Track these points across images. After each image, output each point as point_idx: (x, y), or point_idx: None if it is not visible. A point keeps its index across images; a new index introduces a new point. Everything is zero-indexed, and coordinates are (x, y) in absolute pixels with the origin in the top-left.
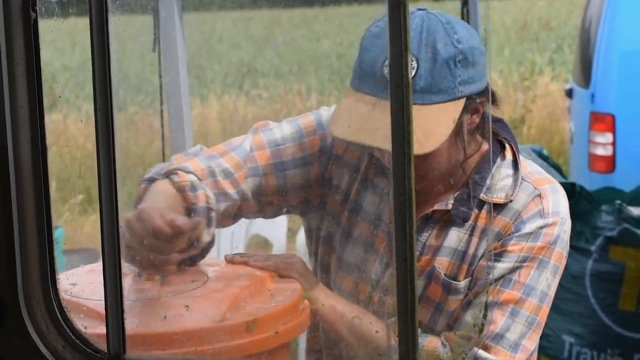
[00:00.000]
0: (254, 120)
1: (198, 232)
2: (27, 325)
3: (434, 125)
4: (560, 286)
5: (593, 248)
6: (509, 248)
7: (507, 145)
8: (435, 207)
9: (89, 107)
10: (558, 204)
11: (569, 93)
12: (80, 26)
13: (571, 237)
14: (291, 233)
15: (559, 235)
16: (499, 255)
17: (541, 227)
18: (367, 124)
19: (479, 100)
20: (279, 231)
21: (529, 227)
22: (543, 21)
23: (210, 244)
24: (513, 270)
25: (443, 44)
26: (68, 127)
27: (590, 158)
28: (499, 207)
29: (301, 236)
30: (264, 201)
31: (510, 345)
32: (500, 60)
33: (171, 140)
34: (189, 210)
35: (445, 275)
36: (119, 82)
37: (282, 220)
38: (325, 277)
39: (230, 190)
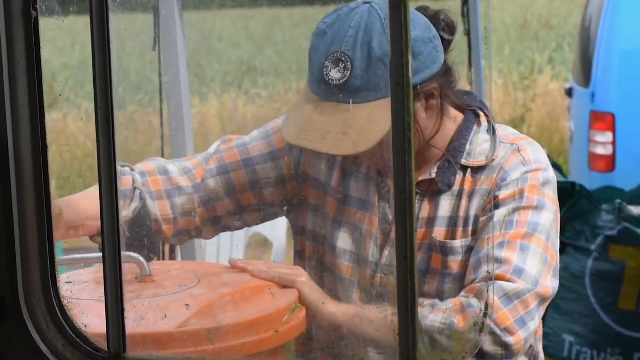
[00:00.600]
0: (254, 119)
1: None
2: (27, 324)
3: (370, 123)
4: (560, 285)
5: (593, 247)
6: (501, 197)
7: (480, 113)
8: (420, 179)
9: (88, 105)
10: (537, 153)
11: (569, 92)
12: (80, 25)
13: (571, 236)
14: (291, 232)
15: (547, 178)
16: (494, 207)
17: (526, 172)
18: (308, 125)
19: (432, 86)
20: (279, 230)
21: (513, 175)
22: (543, 20)
23: (139, 216)
24: (511, 212)
25: (378, 42)
26: (68, 125)
27: (590, 157)
28: (481, 168)
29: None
30: (239, 199)
31: (531, 280)
32: (500, 59)
33: (171, 139)
34: None
35: (441, 240)
36: (119, 80)
37: (282, 220)
38: (319, 271)
39: (185, 184)
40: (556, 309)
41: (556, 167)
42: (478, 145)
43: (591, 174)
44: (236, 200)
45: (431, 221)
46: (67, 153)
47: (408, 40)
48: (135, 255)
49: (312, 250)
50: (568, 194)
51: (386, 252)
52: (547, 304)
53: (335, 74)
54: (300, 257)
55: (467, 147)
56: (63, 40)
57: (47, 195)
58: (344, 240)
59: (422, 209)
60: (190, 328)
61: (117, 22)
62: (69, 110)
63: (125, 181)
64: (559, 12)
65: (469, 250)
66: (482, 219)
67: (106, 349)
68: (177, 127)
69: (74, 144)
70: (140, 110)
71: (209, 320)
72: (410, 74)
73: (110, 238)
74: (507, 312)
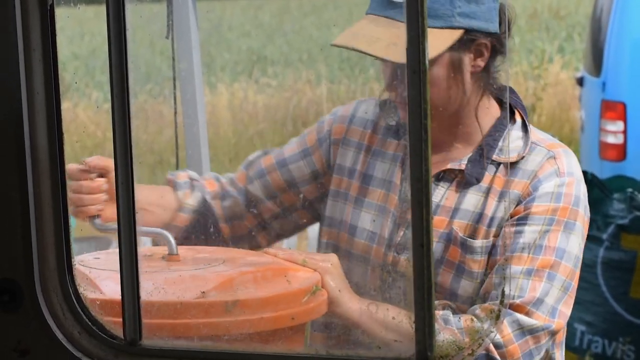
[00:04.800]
0: (264, 109)
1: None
2: (43, 312)
3: None
4: None
5: (604, 236)
6: (533, 210)
7: (515, 110)
8: (449, 166)
9: (98, 95)
10: (571, 165)
11: (580, 81)
12: (89, 14)
13: None
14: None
15: (578, 196)
16: (524, 219)
17: (560, 186)
18: (359, 32)
19: (484, 41)
20: None
21: (547, 186)
22: (553, 9)
23: (203, 206)
24: (542, 234)
25: None
26: (78, 115)
27: (601, 146)
28: (513, 169)
29: (312, 231)
30: (281, 201)
31: (549, 310)
32: (510, 48)
33: (185, 127)
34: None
35: (462, 235)
36: (131, 69)
37: None
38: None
39: (230, 189)
40: None
41: None
42: (511, 142)
43: (602, 163)
44: (279, 202)
45: (454, 212)
46: (76, 143)
47: (425, 27)
48: (160, 230)
49: (329, 236)
50: None
51: (401, 232)
52: (558, 334)
53: None
54: (322, 246)
55: (500, 143)
56: (72, 30)
57: (63, 182)
58: (363, 219)
59: (447, 197)
60: (208, 299)
61: (132, 10)
62: (79, 100)
63: (180, 176)
64: (569, 2)
65: (488, 250)
66: (509, 228)
67: (122, 336)
68: (192, 115)
69: (84, 134)
70: (153, 100)
71: (228, 294)
72: (427, 62)
73: (127, 223)
74: (517, 346)
